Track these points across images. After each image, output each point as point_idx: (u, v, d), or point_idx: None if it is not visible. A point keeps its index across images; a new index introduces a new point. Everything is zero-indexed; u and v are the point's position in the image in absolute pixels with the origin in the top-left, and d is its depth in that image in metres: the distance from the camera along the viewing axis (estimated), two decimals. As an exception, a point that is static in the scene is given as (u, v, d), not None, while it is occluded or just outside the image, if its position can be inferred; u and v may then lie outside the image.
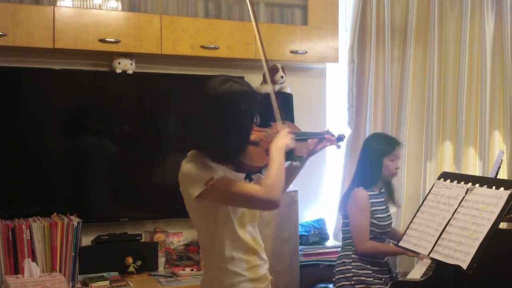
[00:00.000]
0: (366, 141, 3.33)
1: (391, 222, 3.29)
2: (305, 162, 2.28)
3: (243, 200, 1.94)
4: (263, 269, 2.09)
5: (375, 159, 3.21)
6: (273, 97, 2.14)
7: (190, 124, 1.92)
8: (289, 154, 2.06)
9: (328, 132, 2.32)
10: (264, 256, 2.12)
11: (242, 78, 2.09)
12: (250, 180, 2.05)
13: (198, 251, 3.37)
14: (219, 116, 1.88)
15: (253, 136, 2.03)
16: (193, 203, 1.96)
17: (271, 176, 1.93)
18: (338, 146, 2.38)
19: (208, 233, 2.02)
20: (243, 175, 2.04)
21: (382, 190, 3.31)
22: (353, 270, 3.13)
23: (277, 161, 1.96)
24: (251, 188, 1.93)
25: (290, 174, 2.23)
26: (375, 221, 3.16)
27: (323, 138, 2.28)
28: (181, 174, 1.98)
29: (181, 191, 2.01)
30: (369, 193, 3.18)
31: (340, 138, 2.38)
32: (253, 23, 2.18)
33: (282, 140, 2.03)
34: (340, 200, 3.36)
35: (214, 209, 1.97)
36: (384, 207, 3.24)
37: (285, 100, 3.74)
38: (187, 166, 1.96)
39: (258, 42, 2.18)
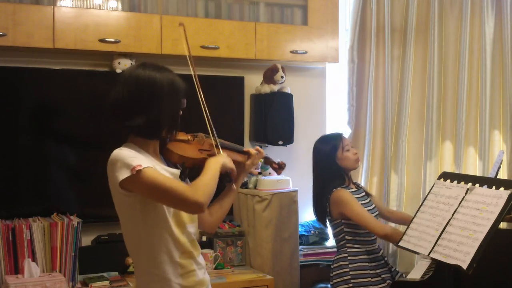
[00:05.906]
0: (314, 148, 3.35)
1: (378, 214, 3.31)
2: (239, 183, 2.20)
3: (167, 195, 1.82)
4: (200, 274, 1.99)
5: (328, 160, 3.24)
6: (204, 109, 2.07)
7: (112, 107, 1.91)
8: (225, 176, 2.05)
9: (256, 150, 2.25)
10: (201, 260, 2.02)
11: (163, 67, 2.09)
12: (185, 178, 2.01)
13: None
14: (137, 92, 1.88)
15: (184, 137, 2.06)
16: (122, 197, 1.87)
17: (202, 179, 1.88)
18: (275, 170, 2.38)
19: (136, 233, 1.92)
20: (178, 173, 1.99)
21: (360, 186, 3.39)
22: (350, 272, 3.13)
23: (211, 170, 1.93)
24: (179, 184, 1.85)
25: (227, 196, 2.17)
26: None
27: (248, 154, 2.22)
28: (109, 161, 1.87)
29: (109, 183, 1.90)
30: (347, 190, 3.21)
31: (280, 165, 2.38)
32: (195, 80, 2.11)
33: (222, 158, 2.01)
34: (317, 211, 3.32)
35: (145, 205, 1.87)
36: (367, 200, 3.27)
37: (285, 100, 3.74)
38: (116, 153, 1.87)
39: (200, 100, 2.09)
